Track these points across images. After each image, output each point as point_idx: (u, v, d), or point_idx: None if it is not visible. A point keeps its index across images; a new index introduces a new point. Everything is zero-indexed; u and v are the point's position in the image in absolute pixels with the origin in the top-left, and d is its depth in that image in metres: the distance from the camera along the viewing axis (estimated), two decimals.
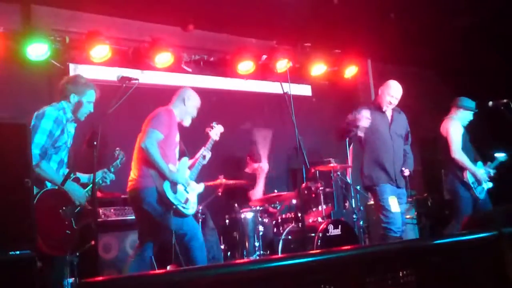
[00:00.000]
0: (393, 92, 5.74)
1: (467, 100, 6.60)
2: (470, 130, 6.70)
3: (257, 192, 6.98)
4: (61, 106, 4.48)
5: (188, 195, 4.99)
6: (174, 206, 4.76)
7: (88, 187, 4.48)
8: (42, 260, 4.10)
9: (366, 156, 5.80)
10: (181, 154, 5.24)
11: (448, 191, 6.73)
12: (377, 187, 5.64)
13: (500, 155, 6.69)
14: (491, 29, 7.67)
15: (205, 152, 5.34)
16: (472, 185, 6.35)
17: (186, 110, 5.20)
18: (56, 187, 4.28)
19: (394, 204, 5.53)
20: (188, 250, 4.81)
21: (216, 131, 5.49)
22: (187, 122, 5.24)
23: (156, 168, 4.78)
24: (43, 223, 3.97)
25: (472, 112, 6.59)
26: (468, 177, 6.37)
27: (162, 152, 4.84)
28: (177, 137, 5.12)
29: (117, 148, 4.82)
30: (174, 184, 4.86)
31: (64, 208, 4.28)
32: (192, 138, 5.53)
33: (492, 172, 6.57)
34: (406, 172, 5.82)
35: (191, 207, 4.98)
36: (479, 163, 6.58)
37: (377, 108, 5.82)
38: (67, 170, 4.49)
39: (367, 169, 5.75)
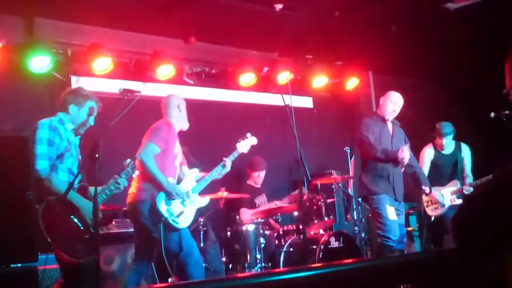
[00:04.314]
0: (395, 99, 5.78)
1: (443, 127, 6.72)
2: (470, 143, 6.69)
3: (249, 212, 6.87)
4: (57, 117, 4.38)
5: (185, 208, 4.89)
6: (163, 218, 4.67)
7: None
8: (66, 274, 4.07)
9: (366, 166, 5.80)
10: (191, 167, 5.22)
11: None
12: (375, 196, 5.63)
13: None
14: (489, 41, 7.69)
15: (219, 168, 5.20)
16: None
17: (182, 115, 5.13)
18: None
19: (391, 212, 5.52)
20: (184, 266, 4.75)
21: (245, 143, 5.42)
22: (186, 126, 5.17)
23: (152, 181, 4.74)
24: (58, 232, 3.90)
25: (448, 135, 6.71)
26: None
27: (161, 165, 4.81)
28: (176, 150, 5.06)
29: (128, 159, 4.65)
30: (170, 196, 4.79)
31: (75, 214, 4.16)
32: (193, 151, 5.53)
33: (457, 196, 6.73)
34: (427, 190, 6.02)
35: (183, 221, 4.84)
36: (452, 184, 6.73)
37: (380, 119, 5.84)
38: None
39: (366, 179, 5.76)
